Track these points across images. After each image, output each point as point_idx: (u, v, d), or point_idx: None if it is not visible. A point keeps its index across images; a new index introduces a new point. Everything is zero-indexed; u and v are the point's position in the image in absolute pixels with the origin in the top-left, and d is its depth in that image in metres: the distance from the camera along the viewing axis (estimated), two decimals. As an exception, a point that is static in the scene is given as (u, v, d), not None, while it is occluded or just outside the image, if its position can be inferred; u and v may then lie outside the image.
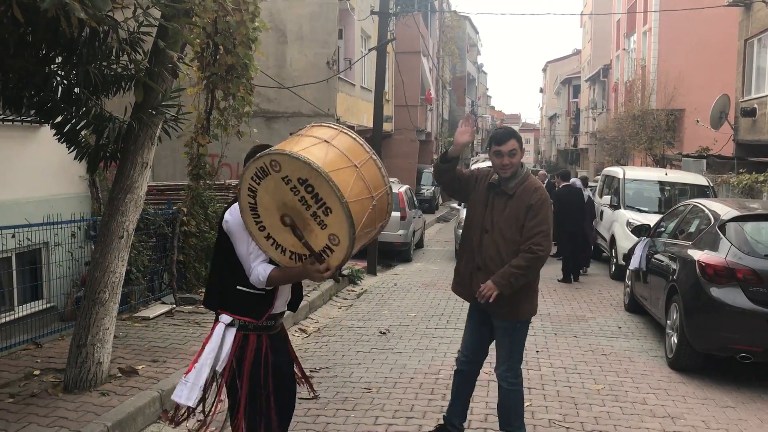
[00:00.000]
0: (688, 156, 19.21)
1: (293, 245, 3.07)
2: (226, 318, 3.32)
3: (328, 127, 3.16)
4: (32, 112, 5.26)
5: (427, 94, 31.30)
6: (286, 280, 3.25)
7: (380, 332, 8.01)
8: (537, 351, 7.29)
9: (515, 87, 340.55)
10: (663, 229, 8.89)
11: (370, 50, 17.25)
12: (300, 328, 8.19)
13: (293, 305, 3.59)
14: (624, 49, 31.28)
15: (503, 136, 4.34)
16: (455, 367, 4.82)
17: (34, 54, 4.75)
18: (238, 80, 9.07)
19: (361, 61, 19.84)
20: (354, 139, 3.10)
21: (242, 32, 8.63)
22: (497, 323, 4.52)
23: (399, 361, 6.80)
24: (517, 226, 4.29)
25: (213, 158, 9.95)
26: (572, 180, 13.52)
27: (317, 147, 2.96)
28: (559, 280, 12.15)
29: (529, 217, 4.28)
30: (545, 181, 15.09)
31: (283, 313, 3.52)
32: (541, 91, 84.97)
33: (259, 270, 3.20)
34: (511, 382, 4.53)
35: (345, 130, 3.14)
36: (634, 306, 9.34)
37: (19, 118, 7.54)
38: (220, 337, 3.30)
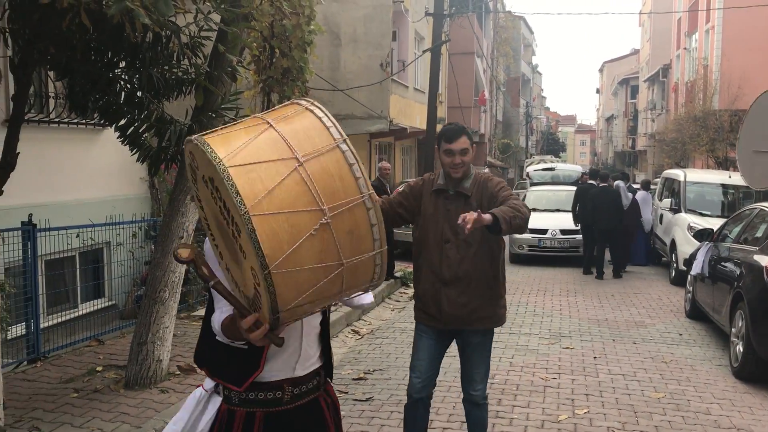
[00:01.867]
0: (752, 158, 18.52)
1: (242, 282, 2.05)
2: (207, 382, 2.37)
3: (295, 103, 2.07)
4: (97, 115, 5.41)
5: (481, 96, 31.07)
6: (235, 332, 2.11)
7: (434, 335, 7.96)
8: (594, 357, 7.14)
9: (571, 88, 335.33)
10: (727, 233, 8.60)
11: (424, 52, 17.22)
12: (353, 330, 8.22)
13: (327, 369, 2.52)
14: (685, 48, 30.44)
15: (454, 133, 3.73)
16: (410, 399, 4.11)
17: (99, 59, 4.89)
18: (293, 83, 9.16)
19: (414, 62, 19.81)
20: (318, 118, 1.97)
21: (298, 35, 8.71)
22: (475, 339, 3.96)
23: (453, 365, 6.73)
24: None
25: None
26: (616, 183, 13.80)
27: (248, 130, 1.95)
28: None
29: (495, 202, 3.66)
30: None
31: (296, 382, 2.35)
32: (598, 91, 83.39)
33: (216, 314, 2.26)
34: (485, 398, 4.15)
35: (312, 107, 2.02)
36: (695, 312, 9.06)
37: (83, 121, 7.80)
38: (195, 408, 2.35)
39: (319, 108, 1.99)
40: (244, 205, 1.74)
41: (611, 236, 12.89)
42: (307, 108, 2.00)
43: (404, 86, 19.55)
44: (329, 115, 1.99)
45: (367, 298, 2.46)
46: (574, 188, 17.78)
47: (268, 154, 1.85)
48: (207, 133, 1.96)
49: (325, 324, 2.48)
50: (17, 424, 4.54)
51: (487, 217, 3.29)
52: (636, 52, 55.98)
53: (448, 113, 27.10)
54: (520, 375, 6.46)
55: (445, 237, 3.75)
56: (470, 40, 26.88)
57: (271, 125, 1.92)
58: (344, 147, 1.90)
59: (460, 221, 3.24)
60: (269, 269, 1.74)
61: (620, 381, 6.32)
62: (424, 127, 16.73)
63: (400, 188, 4.28)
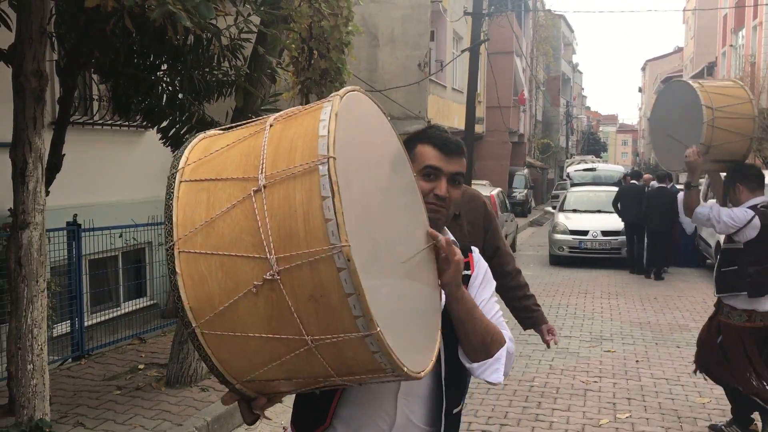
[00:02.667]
0: (802, 157, 18.00)
1: None
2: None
3: (331, 97, 1.37)
4: (140, 117, 5.51)
5: (520, 95, 30.81)
6: None
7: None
8: (637, 361, 7.00)
9: (612, 86, 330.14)
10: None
11: (462, 51, 17.14)
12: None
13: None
14: (731, 45, 29.71)
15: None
16: None
17: (142, 62, 4.98)
18: (331, 84, 9.20)
19: (452, 62, 19.73)
20: (318, 120, 1.30)
21: (336, 37, 8.74)
22: None
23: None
24: None
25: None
26: (651, 183, 13.94)
27: (247, 129, 1.47)
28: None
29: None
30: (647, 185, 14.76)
31: None
32: (640, 90, 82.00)
33: None
34: None
35: (330, 99, 1.34)
36: (742, 316, 8.82)
37: (126, 123, 7.94)
38: None
39: (338, 101, 1.32)
40: (171, 235, 1.33)
41: (662, 237, 12.84)
42: (325, 102, 1.36)
43: (442, 86, 19.48)
44: (338, 114, 1.29)
45: (494, 376, 1.74)
46: (616, 189, 17.55)
47: (233, 169, 1.35)
48: (221, 129, 1.59)
49: (447, 387, 1.77)
50: (63, 420, 4.64)
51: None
52: (680, 49, 54.87)
53: (486, 113, 26.92)
54: (560, 378, 6.37)
55: None
56: (509, 39, 26.67)
57: (265, 127, 1.39)
58: (323, 170, 1.22)
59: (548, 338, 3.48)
60: (193, 327, 1.31)
61: (663, 385, 6.19)
62: (462, 127, 16.64)
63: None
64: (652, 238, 12.93)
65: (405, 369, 1.33)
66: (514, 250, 17.08)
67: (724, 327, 4.72)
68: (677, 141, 4.42)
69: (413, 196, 1.67)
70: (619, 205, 13.50)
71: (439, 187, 1.84)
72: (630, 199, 13.30)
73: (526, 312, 3.52)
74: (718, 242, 12.37)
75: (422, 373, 1.43)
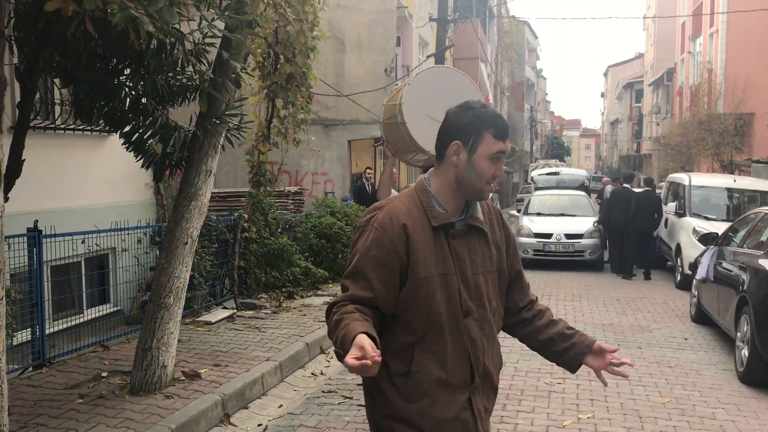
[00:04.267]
0: (758, 162, 18.51)
1: None
2: None
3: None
4: (102, 121, 5.44)
5: (485, 100, 31.09)
6: None
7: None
8: (599, 362, 7.12)
9: (575, 92, 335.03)
10: (731, 237, 8.58)
11: (428, 57, 17.25)
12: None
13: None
14: (689, 52, 30.41)
15: (506, 128, 2.28)
16: None
17: (104, 66, 4.92)
18: (296, 89, 9.21)
19: (418, 67, 19.85)
20: None
21: (301, 41, 8.75)
22: None
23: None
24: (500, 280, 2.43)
25: (273, 166, 10.11)
26: (607, 187, 15.36)
27: None
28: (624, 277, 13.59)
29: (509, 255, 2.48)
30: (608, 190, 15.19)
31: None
32: (603, 95, 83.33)
33: None
34: None
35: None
36: (701, 317, 9.03)
37: (89, 128, 7.83)
38: None
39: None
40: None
41: (645, 238, 13.55)
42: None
43: (408, 91, 19.57)
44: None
45: None
46: (580, 193, 17.79)
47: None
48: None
49: None
50: (22, 430, 4.55)
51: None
52: (640, 56, 55.96)
53: (452, 118, 27.10)
54: (524, 380, 6.45)
55: (464, 305, 2.25)
56: (474, 45, 26.92)
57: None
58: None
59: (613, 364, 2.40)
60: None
61: (625, 386, 6.31)
62: (428, 132, 16.73)
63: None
64: (635, 238, 13.48)
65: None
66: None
67: None
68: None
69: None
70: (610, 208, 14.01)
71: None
72: (622, 203, 13.65)
73: (565, 339, 2.48)
74: (678, 244, 12.66)
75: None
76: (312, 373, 6.66)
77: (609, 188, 15.31)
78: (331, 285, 10.54)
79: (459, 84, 4.87)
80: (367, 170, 14.36)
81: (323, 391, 6.07)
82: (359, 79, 16.88)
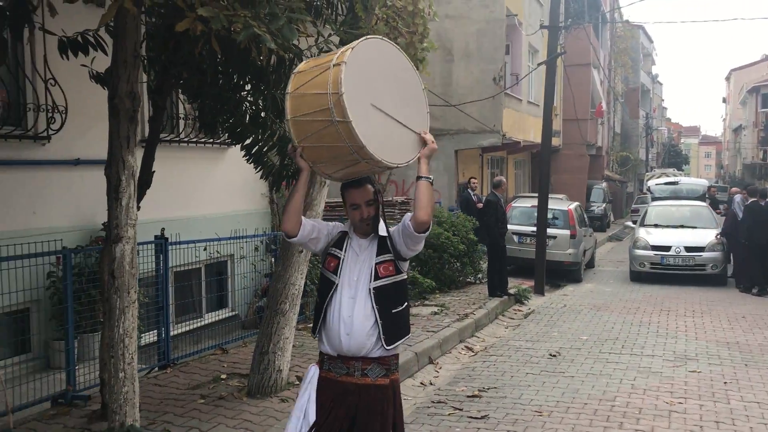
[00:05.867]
0: None
1: None
2: None
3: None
4: (225, 135, 5.70)
5: (598, 107, 30.17)
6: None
7: (550, 354, 7.77)
8: (725, 382, 6.71)
9: (694, 97, 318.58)
10: None
11: (539, 65, 16.94)
12: (466, 347, 8.16)
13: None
14: (824, 52, 28.20)
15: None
16: None
17: (227, 82, 5.17)
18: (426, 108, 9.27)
19: (528, 75, 19.54)
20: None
21: (411, 53, 8.81)
22: None
23: (571, 385, 6.56)
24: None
25: (380, 176, 10.23)
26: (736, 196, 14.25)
27: None
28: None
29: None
30: (738, 200, 14.23)
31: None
32: (724, 100, 78.78)
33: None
34: None
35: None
36: (840, 338, 8.33)
37: (210, 141, 8.24)
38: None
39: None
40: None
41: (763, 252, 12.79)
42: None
43: (518, 100, 19.31)
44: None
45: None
46: (701, 203, 16.94)
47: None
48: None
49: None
50: (151, 426, 4.83)
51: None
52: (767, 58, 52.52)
53: (563, 126, 26.49)
54: (642, 398, 6.18)
55: None
56: (586, 51, 26.19)
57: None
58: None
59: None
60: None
61: (755, 409, 5.91)
62: (538, 140, 16.43)
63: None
64: (759, 252, 12.73)
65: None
66: (592, 266, 16.69)
67: None
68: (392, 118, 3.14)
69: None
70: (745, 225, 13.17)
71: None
72: (762, 219, 12.83)
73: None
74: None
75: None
76: (421, 383, 6.66)
77: (738, 198, 14.35)
78: (438, 295, 10.53)
79: (396, 61, 3.27)
80: (472, 180, 14.23)
81: (433, 402, 6.06)
82: (467, 89, 16.82)
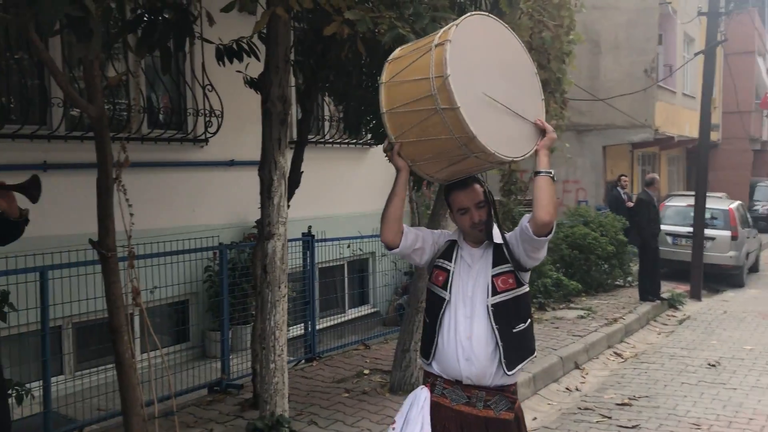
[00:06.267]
0: None
1: None
2: None
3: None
4: (368, 135, 5.80)
5: (764, 98, 27.80)
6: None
7: (709, 364, 7.24)
8: None
9: None
10: None
11: (696, 54, 15.86)
12: (615, 352, 7.79)
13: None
14: None
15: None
16: None
17: (372, 84, 5.25)
18: (550, 95, 9.00)
19: (683, 66, 18.37)
20: None
21: (557, 47, 8.53)
22: None
23: (733, 399, 6.07)
24: None
25: (522, 174, 10.01)
26: None
27: None
28: None
29: None
30: None
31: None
32: None
33: None
34: None
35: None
36: None
37: (353, 141, 8.44)
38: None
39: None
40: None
41: None
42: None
43: (671, 92, 18.20)
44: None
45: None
46: None
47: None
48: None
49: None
50: (298, 417, 5.01)
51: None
52: None
53: (723, 119, 24.66)
54: (816, 418, 5.61)
55: None
56: (751, 38, 24.22)
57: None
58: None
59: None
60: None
61: None
62: (694, 135, 15.40)
63: None
64: None
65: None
66: (756, 270, 15.41)
67: None
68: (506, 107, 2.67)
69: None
70: None
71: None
72: None
73: None
74: None
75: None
76: (566, 388, 6.44)
77: None
78: (584, 298, 10.14)
79: (505, 40, 2.81)
80: (622, 178, 13.57)
81: (579, 408, 5.84)
82: (615, 82, 16.06)
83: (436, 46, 2.56)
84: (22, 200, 3.14)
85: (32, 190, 3.22)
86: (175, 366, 5.89)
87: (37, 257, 4.72)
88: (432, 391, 2.81)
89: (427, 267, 2.93)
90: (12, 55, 5.52)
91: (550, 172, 2.70)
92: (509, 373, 2.71)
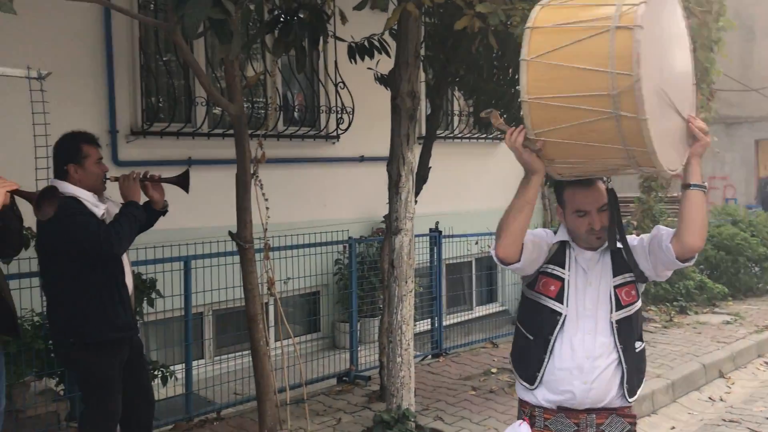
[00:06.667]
0: None
1: None
2: None
3: None
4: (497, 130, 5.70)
5: None
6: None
7: None
8: None
9: None
10: None
11: None
12: (766, 362, 7.21)
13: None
14: None
15: None
16: None
17: (503, 77, 5.15)
18: (696, 86, 8.46)
19: None
20: None
21: (704, 34, 8.00)
22: None
23: None
24: None
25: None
26: None
27: None
28: None
29: None
30: None
31: None
32: None
33: None
34: None
35: None
36: None
37: (483, 136, 8.34)
38: None
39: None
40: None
41: None
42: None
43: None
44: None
45: None
46: None
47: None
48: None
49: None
50: (424, 412, 5.02)
51: None
52: None
53: None
54: None
55: None
56: None
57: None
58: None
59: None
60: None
61: None
62: None
63: None
64: None
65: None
66: None
67: None
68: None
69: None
70: None
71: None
72: None
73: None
74: None
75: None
76: (709, 398, 6.03)
77: None
78: (731, 303, 9.45)
79: (675, 18, 2.29)
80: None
81: (724, 420, 5.45)
82: (771, 71, 14.86)
83: (617, 27, 1.96)
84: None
85: (185, 183, 3.47)
86: (306, 355, 6.09)
87: (182, 247, 5.02)
88: (532, 425, 2.44)
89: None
90: (161, 57, 5.91)
91: (704, 187, 2.23)
92: (630, 400, 2.37)
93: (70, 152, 3.36)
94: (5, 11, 1.90)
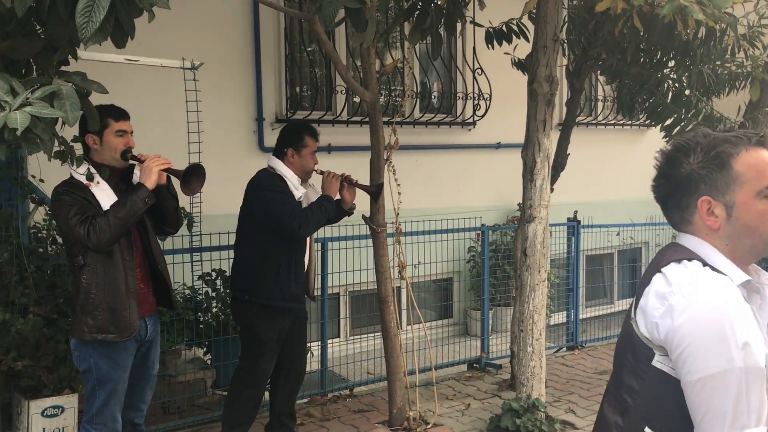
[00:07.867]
0: None
1: None
2: None
3: None
4: (643, 116, 5.44)
5: None
6: None
7: None
8: None
9: None
10: None
11: None
12: None
13: None
14: None
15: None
16: None
17: (648, 60, 4.90)
18: None
19: None
20: None
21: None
22: None
23: None
24: None
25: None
26: None
27: None
28: None
29: None
30: None
31: None
32: None
33: None
34: None
35: None
36: None
37: (628, 122, 7.96)
38: None
39: None
40: None
41: None
42: None
43: None
44: None
45: None
46: None
47: None
48: None
49: None
50: (555, 403, 4.93)
51: None
52: None
53: None
54: None
55: None
56: None
57: None
58: None
59: None
60: None
61: None
62: None
63: None
64: None
65: None
66: None
67: None
68: None
69: None
70: None
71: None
72: None
73: None
74: None
75: None
76: None
77: None
78: None
79: None
80: None
81: None
82: None
83: None
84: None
85: (376, 194, 3.79)
86: (438, 340, 6.15)
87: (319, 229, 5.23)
88: None
89: None
90: (305, 48, 6.15)
91: None
92: None
93: (294, 138, 3.76)
94: (161, 6, 2.07)
